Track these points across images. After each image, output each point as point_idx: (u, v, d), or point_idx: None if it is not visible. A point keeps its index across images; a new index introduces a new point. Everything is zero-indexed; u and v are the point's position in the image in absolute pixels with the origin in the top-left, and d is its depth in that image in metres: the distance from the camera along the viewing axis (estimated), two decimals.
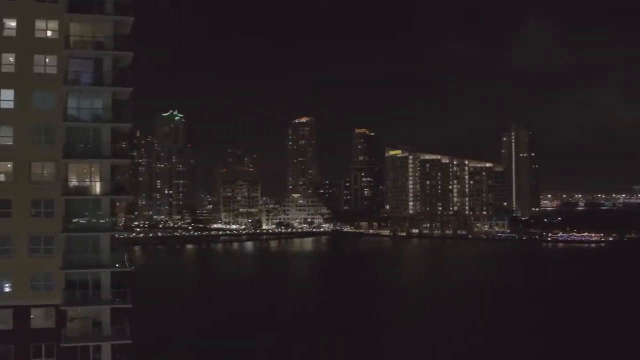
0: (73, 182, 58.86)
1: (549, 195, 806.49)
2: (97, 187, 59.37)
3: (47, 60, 58.68)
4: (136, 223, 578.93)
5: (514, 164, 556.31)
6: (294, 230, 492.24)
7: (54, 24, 58.22)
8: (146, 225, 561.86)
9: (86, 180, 59.49)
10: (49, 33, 58.70)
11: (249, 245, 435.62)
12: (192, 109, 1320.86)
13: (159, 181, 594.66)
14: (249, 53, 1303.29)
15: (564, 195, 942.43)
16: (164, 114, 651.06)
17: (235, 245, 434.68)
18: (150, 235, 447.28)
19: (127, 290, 59.01)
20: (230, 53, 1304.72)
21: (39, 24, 58.32)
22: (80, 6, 57.51)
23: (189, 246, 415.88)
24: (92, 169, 59.54)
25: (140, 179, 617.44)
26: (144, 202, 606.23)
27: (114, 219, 61.49)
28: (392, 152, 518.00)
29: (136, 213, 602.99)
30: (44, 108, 58.23)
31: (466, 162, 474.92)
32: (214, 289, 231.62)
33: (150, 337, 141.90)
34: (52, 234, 57.40)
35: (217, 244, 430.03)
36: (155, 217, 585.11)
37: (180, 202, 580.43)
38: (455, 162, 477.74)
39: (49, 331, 56.43)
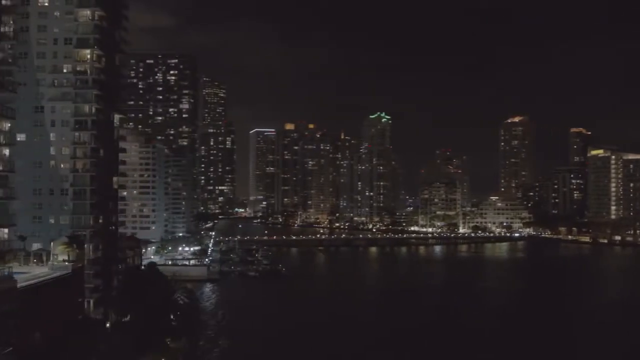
0: None
1: None
2: None
3: None
4: (337, 224, 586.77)
5: None
6: (489, 234, 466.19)
7: None
8: (346, 227, 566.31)
9: None
10: None
11: (437, 249, 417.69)
12: (401, 110, 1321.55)
13: (360, 183, 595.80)
14: (460, 52, 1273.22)
15: None
16: (371, 116, 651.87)
17: (422, 248, 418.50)
18: (333, 236, 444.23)
19: None
20: (441, 52, 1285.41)
21: None
22: None
23: (373, 249, 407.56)
24: None
25: (342, 180, 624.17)
26: (345, 204, 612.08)
27: None
28: (593, 152, 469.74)
29: (337, 214, 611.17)
30: None
31: None
32: (388, 292, 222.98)
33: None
34: None
35: (402, 247, 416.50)
36: (355, 218, 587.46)
37: (381, 204, 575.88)
38: None
39: None
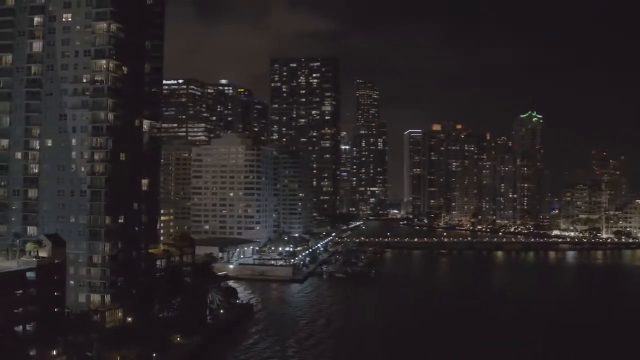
0: None
1: None
2: None
3: None
4: (480, 227, 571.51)
5: None
6: (631, 240, 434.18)
7: None
8: (488, 229, 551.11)
9: None
10: None
11: (569, 255, 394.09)
12: (554, 109, 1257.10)
13: (503, 184, 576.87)
14: (622, 46, 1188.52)
15: None
16: (522, 115, 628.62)
17: (552, 254, 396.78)
18: (456, 240, 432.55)
19: None
20: (600, 47, 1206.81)
21: None
22: None
23: (498, 253, 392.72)
24: None
25: (485, 182, 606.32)
26: (487, 206, 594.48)
27: None
28: None
29: (479, 217, 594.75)
30: None
31: None
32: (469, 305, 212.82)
33: None
34: None
35: (529, 252, 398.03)
36: (498, 221, 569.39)
37: (525, 207, 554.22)
38: None
39: None
